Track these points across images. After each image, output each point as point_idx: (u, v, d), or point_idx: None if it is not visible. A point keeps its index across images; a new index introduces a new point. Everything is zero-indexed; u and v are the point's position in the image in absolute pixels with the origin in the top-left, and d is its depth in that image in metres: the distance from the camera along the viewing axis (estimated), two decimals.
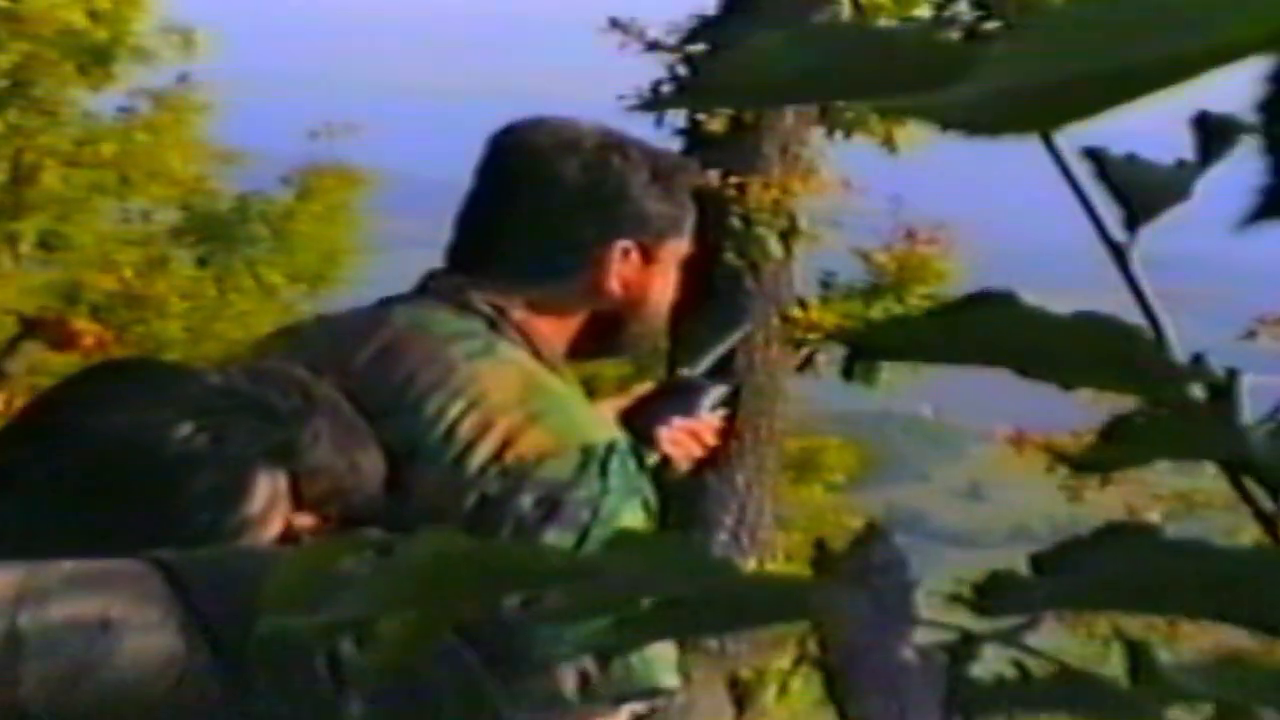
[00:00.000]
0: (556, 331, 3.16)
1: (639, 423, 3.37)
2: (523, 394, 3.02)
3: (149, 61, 13.70)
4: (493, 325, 3.11)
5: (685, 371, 3.64)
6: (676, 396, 3.51)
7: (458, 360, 3.05)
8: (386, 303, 3.24)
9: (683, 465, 3.47)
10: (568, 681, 2.88)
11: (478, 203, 3.23)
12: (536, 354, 3.10)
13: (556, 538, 2.89)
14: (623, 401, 3.53)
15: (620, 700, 2.94)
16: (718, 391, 3.54)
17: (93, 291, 13.25)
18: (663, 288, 3.25)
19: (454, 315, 3.12)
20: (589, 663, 2.87)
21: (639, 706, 2.98)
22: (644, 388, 3.64)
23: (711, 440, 3.53)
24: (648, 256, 3.20)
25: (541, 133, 3.25)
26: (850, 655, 0.86)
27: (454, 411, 2.99)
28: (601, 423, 3.14)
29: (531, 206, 3.18)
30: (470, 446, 2.96)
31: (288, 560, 0.84)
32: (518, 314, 3.12)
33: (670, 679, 2.98)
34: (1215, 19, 0.53)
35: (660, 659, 2.95)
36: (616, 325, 3.22)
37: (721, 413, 3.52)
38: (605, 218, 3.17)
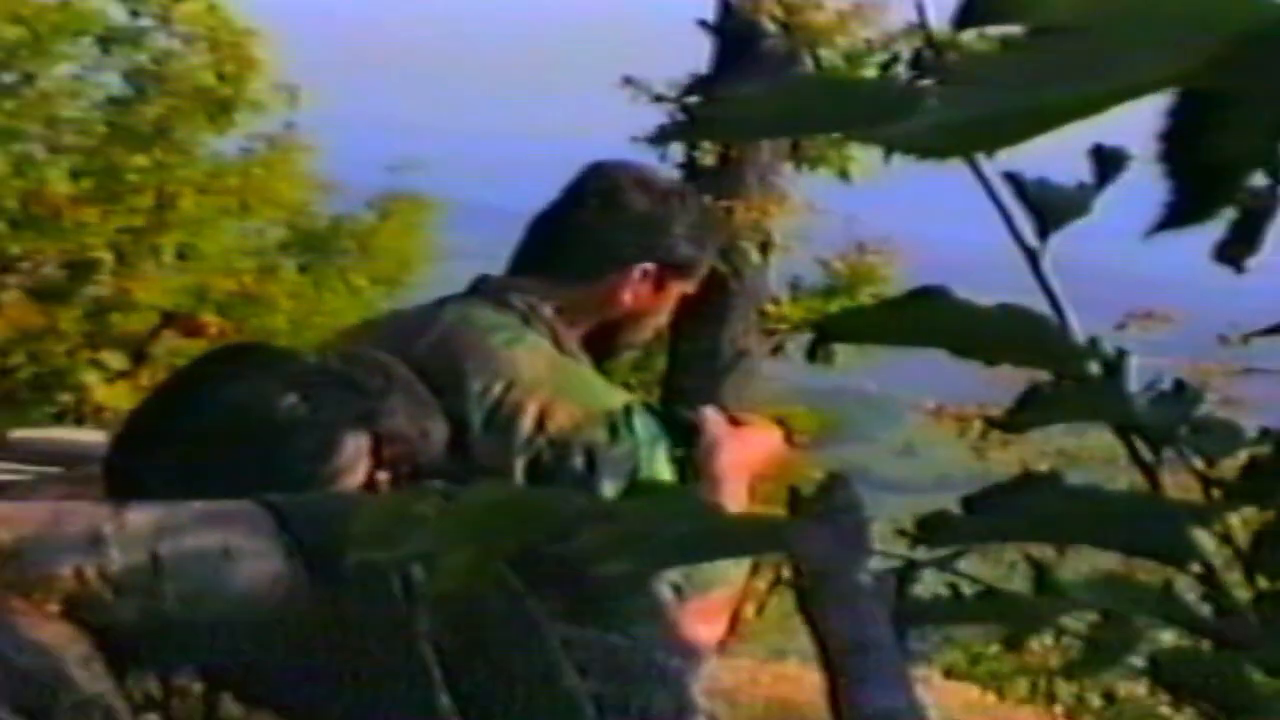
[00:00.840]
0: (571, 328, 3.15)
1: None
2: (549, 374, 3.02)
3: (263, 112, 13.72)
4: (525, 320, 3.11)
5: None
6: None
7: (497, 348, 3.04)
8: (441, 302, 3.25)
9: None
10: (665, 593, 2.90)
11: (551, 211, 3.24)
12: (558, 345, 3.10)
13: (610, 489, 2.90)
14: None
15: (706, 589, 2.95)
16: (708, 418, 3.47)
17: (217, 292, 13.26)
18: (660, 311, 3.25)
19: (494, 311, 3.12)
20: (678, 575, 2.88)
21: (717, 592, 3.00)
22: None
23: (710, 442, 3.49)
24: (659, 284, 3.19)
25: (626, 169, 3.26)
26: (818, 578, 0.85)
27: (496, 389, 2.99)
28: (615, 391, 3.13)
29: (592, 220, 3.18)
30: (512, 419, 2.96)
31: (371, 504, 0.84)
32: (546, 312, 3.12)
33: (737, 571, 3.02)
34: (1120, 65, 0.52)
35: (730, 565, 2.98)
36: (613, 334, 3.22)
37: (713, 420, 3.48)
38: (644, 242, 3.16)
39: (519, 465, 2.93)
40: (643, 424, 3.00)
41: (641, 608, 2.95)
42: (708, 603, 2.96)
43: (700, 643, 2.94)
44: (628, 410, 3.00)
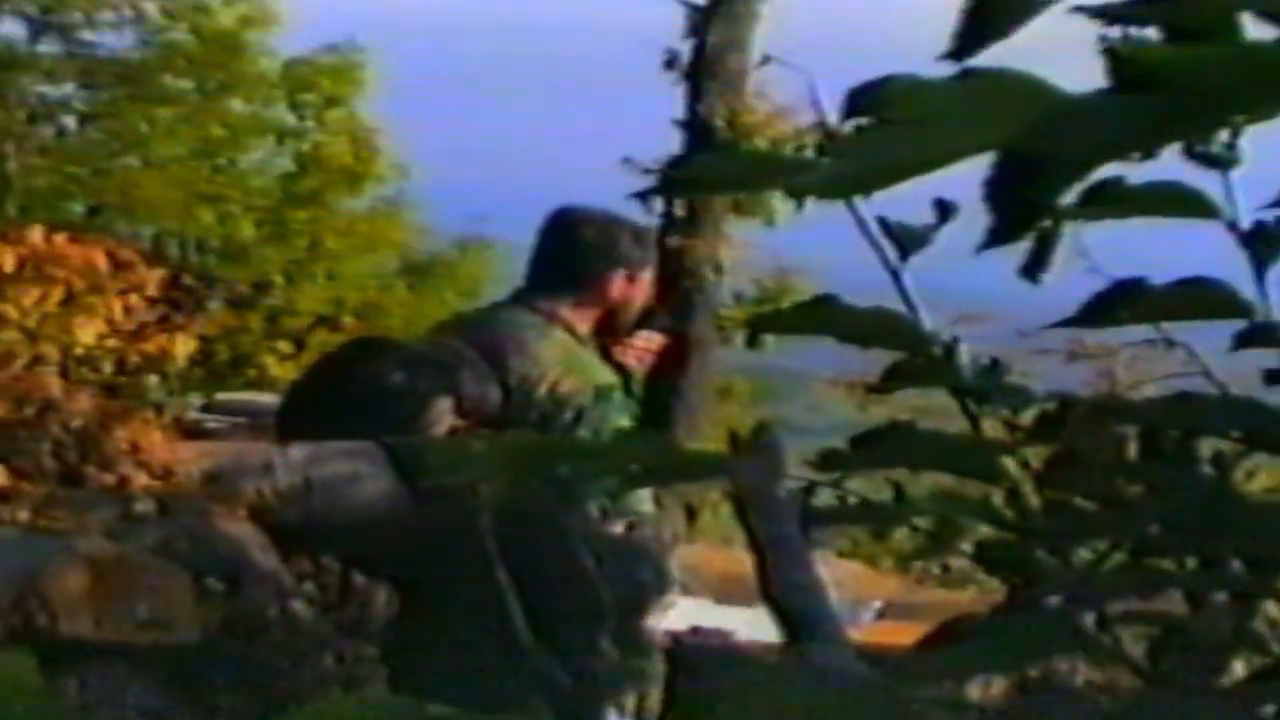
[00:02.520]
0: (584, 321, 3.14)
1: (608, 345, 3.31)
2: (563, 358, 3.02)
3: (384, 181, 13.70)
4: (550, 319, 3.10)
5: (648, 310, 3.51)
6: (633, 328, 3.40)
7: (529, 340, 3.04)
8: (493, 306, 3.27)
9: (639, 371, 3.28)
10: (594, 511, 2.89)
11: (540, 250, 3.22)
12: (573, 335, 3.10)
13: (584, 434, 2.89)
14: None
15: (621, 517, 2.95)
16: (657, 324, 3.44)
17: (352, 302, 13.25)
18: (639, 298, 3.24)
19: (527, 314, 3.12)
20: (605, 500, 2.87)
21: (631, 520, 2.99)
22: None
23: (655, 349, 3.42)
24: (631, 280, 3.19)
25: (573, 212, 3.23)
26: (749, 493, 0.84)
27: (526, 367, 2.99)
28: (606, 373, 3.13)
29: (569, 252, 3.17)
30: (534, 387, 2.97)
31: (443, 445, 0.82)
32: (564, 313, 3.11)
33: (648, 506, 3.00)
34: (955, 136, 0.50)
35: (643, 496, 2.96)
36: (613, 317, 3.20)
37: (659, 336, 3.43)
38: (609, 258, 3.15)
39: (534, 416, 2.94)
40: (619, 397, 3.04)
41: (577, 518, 2.96)
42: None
43: None
44: (610, 388, 3.02)
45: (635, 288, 3.21)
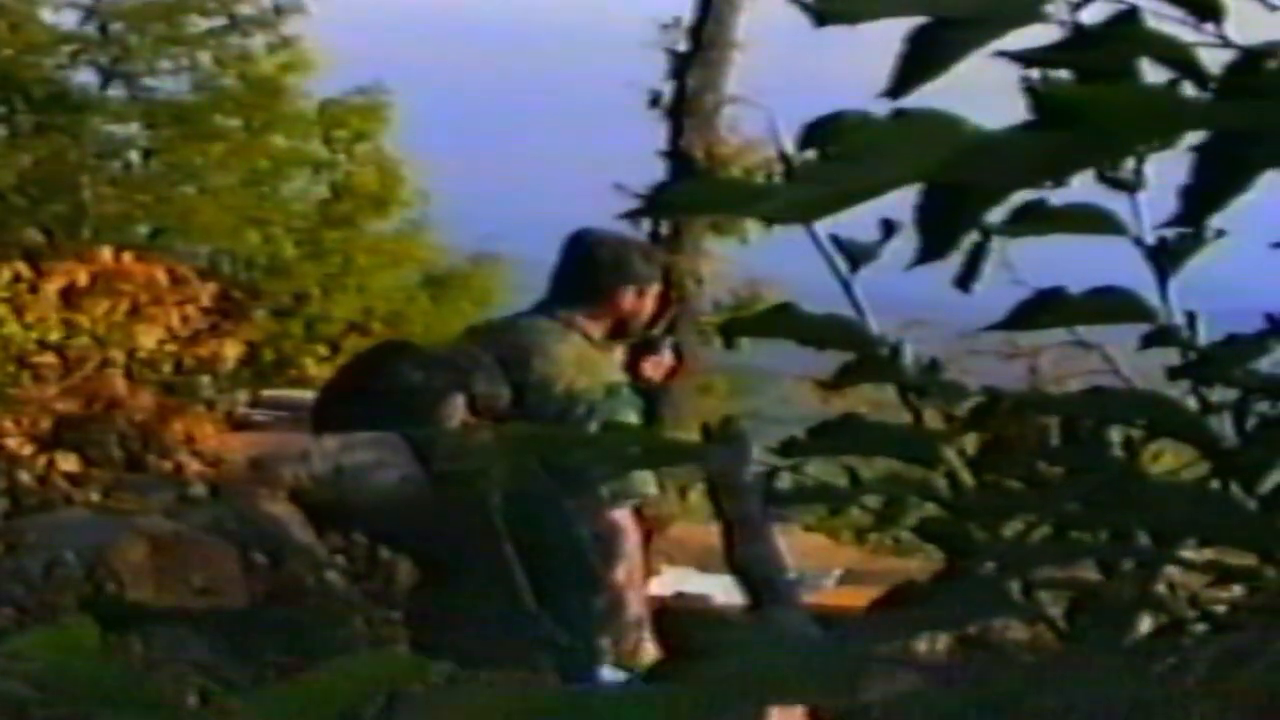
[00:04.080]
0: (598, 328, 3.15)
1: (638, 357, 3.37)
2: (577, 360, 3.03)
3: (408, 205, 13.65)
4: (568, 326, 3.11)
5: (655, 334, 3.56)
6: (651, 347, 3.45)
7: (549, 345, 3.05)
8: (516, 315, 3.28)
9: (657, 378, 3.40)
10: (604, 492, 2.89)
11: (561, 265, 3.24)
12: (588, 340, 3.11)
13: (595, 426, 2.90)
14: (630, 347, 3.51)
15: (629, 498, 2.96)
16: (668, 345, 3.51)
17: (380, 311, 13.21)
18: (645, 309, 3.26)
19: (547, 321, 3.13)
20: (615, 485, 2.88)
21: (636, 501, 3.00)
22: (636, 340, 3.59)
23: (668, 365, 3.48)
24: (640, 294, 3.21)
25: (590, 234, 3.26)
26: (719, 478, 0.84)
27: (546, 368, 3.00)
28: (616, 373, 3.15)
29: (586, 268, 3.18)
30: (552, 385, 2.97)
31: (453, 435, 0.82)
32: (580, 321, 3.12)
33: (652, 489, 3.03)
34: (890, 167, 0.50)
35: (646, 478, 2.97)
36: (623, 325, 3.22)
37: (670, 355, 3.49)
38: (621, 274, 3.18)
39: (552, 410, 2.95)
40: (626, 394, 3.06)
41: (588, 497, 2.96)
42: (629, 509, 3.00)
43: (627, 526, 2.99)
44: (618, 385, 3.05)
45: (644, 300, 3.24)
